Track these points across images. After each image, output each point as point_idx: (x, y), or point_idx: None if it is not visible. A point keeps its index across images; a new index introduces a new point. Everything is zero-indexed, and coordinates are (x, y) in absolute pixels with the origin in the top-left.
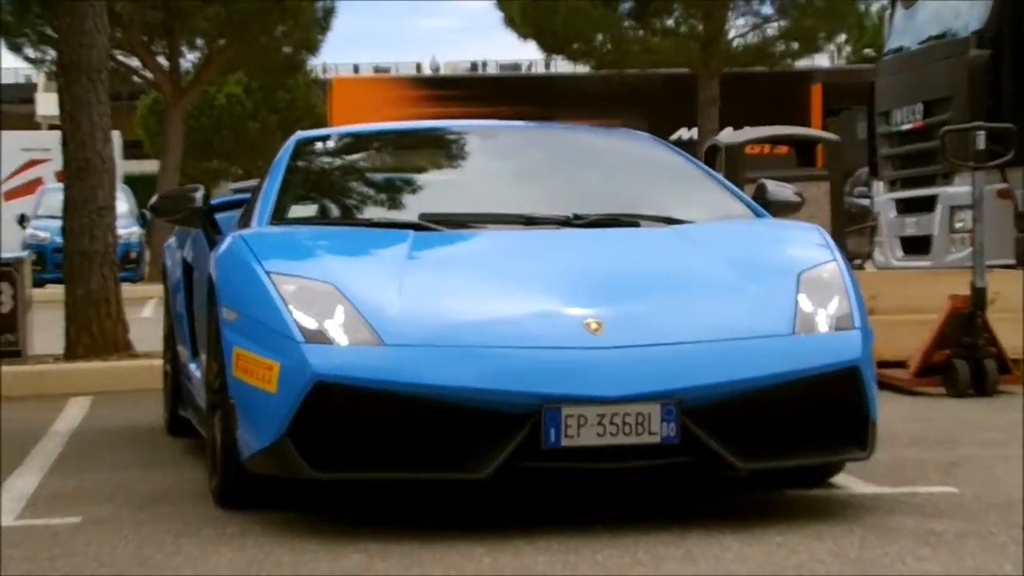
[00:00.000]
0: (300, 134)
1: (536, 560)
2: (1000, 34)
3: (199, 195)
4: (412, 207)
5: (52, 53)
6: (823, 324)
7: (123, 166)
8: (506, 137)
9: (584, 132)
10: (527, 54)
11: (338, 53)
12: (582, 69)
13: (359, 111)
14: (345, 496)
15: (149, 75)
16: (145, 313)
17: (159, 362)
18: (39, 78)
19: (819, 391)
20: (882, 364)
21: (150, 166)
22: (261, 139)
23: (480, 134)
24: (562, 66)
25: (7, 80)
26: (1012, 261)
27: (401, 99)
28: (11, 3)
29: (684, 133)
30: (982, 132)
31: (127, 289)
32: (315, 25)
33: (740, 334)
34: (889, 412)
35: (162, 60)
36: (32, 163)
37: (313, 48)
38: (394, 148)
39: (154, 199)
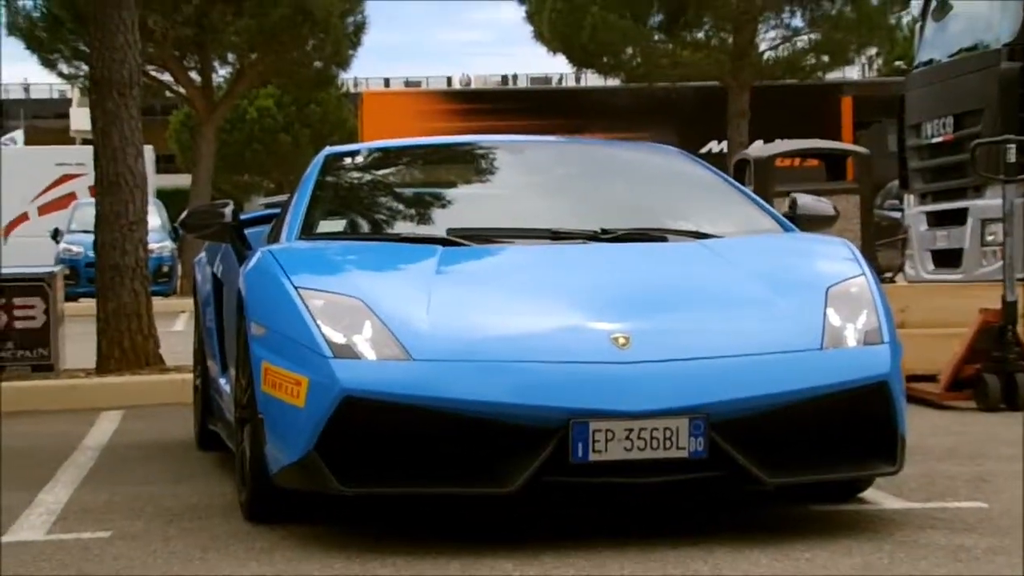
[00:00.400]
0: (329, 149)
1: (564, 574)
2: None
3: (228, 210)
4: (440, 222)
5: (86, 68)
6: (852, 339)
7: (156, 180)
8: (534, 152)
9: (612, 146)
10: (558, 67)
11: (369, 67)
12: (612, 82)
13: (390, 125)
14: (373, 510)
15: (181, 90)
16: (177, 327)
17: (189, 376)
18: (73, 93)
19: (848, 406)
20: (912, 378)
21: (183, 180)
22: (293, 152)
23: (508, 149)
24: (592, 79)
25: (42, 95)
26: None
27: (431, 113)
28: (44, 19)
29: (714, 146)
30: (1013, 145)
31: (159, 303)
32: (346, 39)
33: (768, 349)
34: (919, 426)
35: (194, 75)
36: (65, 178)
37: (344, 62)
38: (422, 163)
39: (184, 214)
